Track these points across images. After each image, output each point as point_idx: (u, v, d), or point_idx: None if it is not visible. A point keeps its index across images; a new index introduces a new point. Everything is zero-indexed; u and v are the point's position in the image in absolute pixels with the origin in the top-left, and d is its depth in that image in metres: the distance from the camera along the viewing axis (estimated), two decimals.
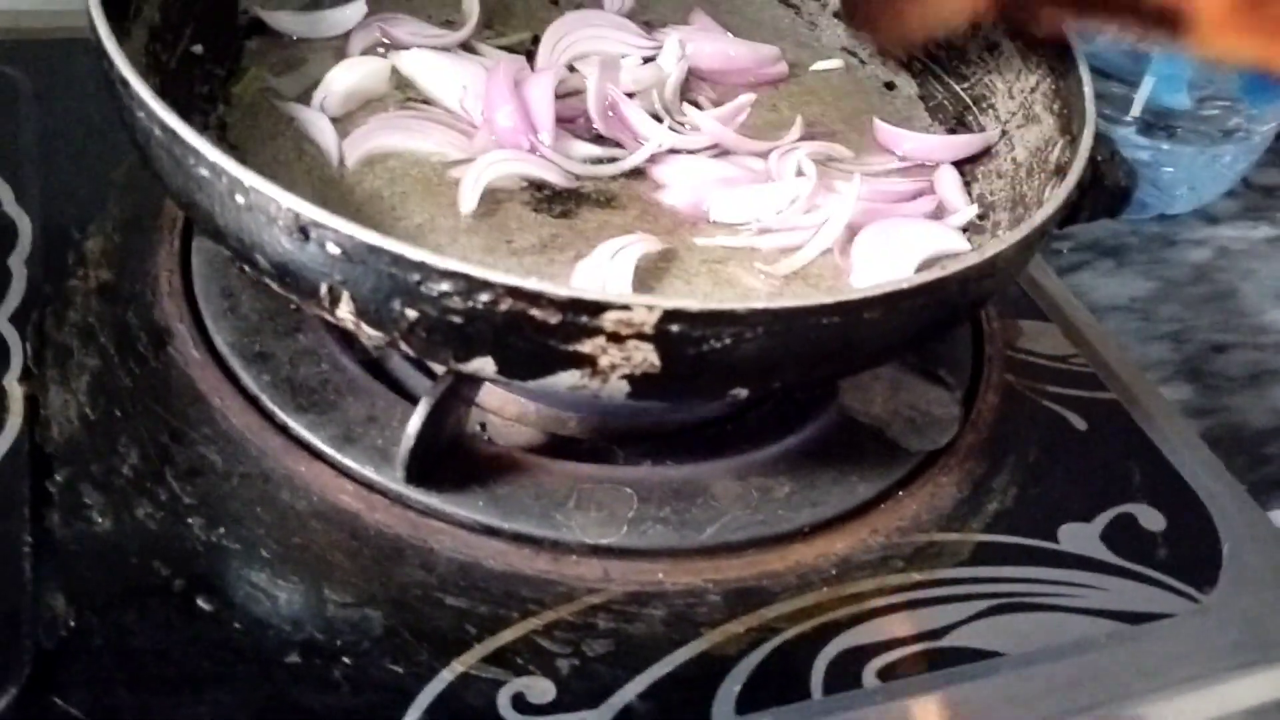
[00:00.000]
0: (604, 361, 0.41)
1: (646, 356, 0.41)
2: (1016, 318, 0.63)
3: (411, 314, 0.41)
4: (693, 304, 0.40)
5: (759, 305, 0.41)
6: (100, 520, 0.45)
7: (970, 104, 0.64)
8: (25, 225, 0.55)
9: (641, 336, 0.40)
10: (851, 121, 0.65)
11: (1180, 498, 0.54)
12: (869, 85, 0.69)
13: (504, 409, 0.54)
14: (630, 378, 0.42)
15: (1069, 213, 0.50)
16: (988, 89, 0.64)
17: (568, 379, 0.42)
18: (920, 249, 0.54)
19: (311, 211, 0.40)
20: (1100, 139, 0.53)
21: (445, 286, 0.39)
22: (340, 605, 0.44)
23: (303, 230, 0.40)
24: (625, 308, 0.40)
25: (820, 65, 0.69)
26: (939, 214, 0.58)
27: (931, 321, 0.46)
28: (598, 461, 0.51)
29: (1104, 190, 0.56)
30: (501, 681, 0.42)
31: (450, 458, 0.49)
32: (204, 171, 0.42)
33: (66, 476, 0.46)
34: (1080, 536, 0.52)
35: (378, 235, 0.40)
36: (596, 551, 0.47)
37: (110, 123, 0.48)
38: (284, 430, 0.49)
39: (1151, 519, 0.53)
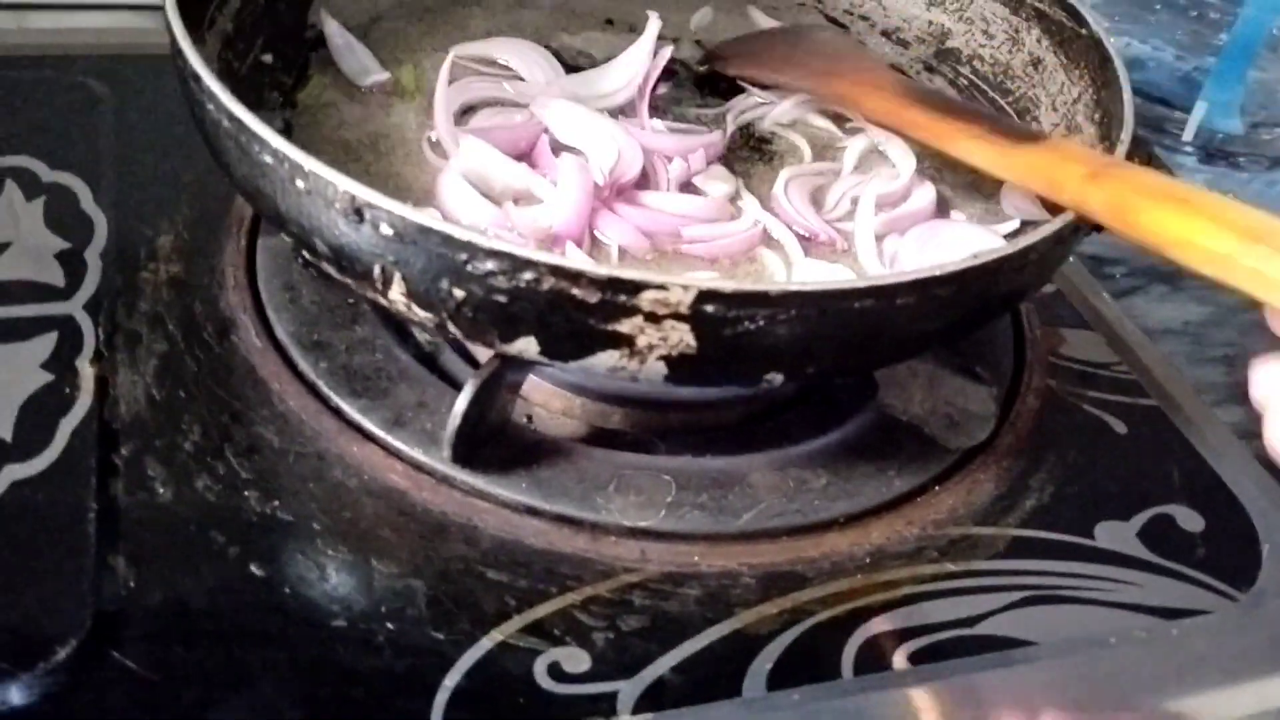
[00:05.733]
0: (642, 341, 0.43)
1: (683, 337, 0.42)
2: (1059, 327, 0.63)
3: (459, 293, 0.43)
4: (727, 284, 0.41)
5: (791, 288, 0.43)
6: (162, 491, 0.47)
7: (1014, 116, 0.65)
8: (101, 222, 0.58)
9: (678, 316, 0.42)
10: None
11: (1220, 500, 0.55)
12: None
13: (550, 403, 0.55)
14: (667, 359, 0.43)
15: None
16: (1032, 102, 0.65)
17: (607, 359, 0.43)
18: (962, 250, 0.55)
19: (366, 194, 0.42)
20: (1138, 143, 0.54)
21: (490, 265, 0.41)
22: (386, 575, 0.45)
23: (358, 212, 0.43)
24: (662, 287, 0.41)
25: None
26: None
27: (966, 312, 0.47)
28: (639, 451, 0.53)
29: None
30: (539, 651, 0.44)
31: (495, 443, 0.50)
32: (267, 158, 0.44)
33: (132, 450, 0.48)
34: (1117, 534, 0.52)
35: (428, 216, 0.42)
36: (634, 533, 0.49)
37: (182, 132, 0.51)
38: (338, 413, 0.51)
39: (1190, 520, 0.53)
